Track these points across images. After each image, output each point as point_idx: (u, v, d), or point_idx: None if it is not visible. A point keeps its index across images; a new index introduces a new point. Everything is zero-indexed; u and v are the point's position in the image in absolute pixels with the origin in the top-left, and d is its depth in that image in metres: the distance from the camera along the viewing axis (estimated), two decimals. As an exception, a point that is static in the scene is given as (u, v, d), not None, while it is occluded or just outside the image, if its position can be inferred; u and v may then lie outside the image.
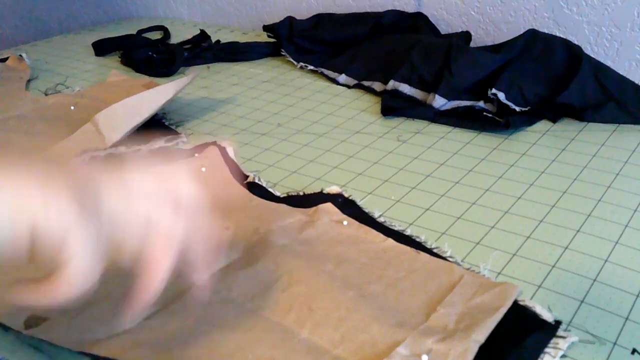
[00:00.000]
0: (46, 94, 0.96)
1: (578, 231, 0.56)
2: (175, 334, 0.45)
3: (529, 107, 0.79)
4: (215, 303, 0.48)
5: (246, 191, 0.64)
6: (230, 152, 0.72)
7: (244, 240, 0.56)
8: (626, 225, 0.57)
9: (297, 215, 0.59)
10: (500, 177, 0.66)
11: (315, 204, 0.60)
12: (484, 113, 0.79)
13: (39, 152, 0.71)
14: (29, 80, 1.02)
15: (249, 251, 0.54)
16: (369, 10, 1.13)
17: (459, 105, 0.82)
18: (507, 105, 0.78)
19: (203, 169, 0.68)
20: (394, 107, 0.83)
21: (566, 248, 0.54)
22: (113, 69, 1.03)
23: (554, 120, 0.78)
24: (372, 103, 0.88)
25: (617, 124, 0.76)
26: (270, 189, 0.65)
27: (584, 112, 0.77)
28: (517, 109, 0.78)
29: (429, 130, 0.78)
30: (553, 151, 0.71)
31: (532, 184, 0.65)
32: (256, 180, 0.67)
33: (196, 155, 0.72)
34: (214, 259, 0.41)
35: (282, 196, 0.64)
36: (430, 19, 1.05)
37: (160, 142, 0.77)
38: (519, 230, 0.57)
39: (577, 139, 0.74)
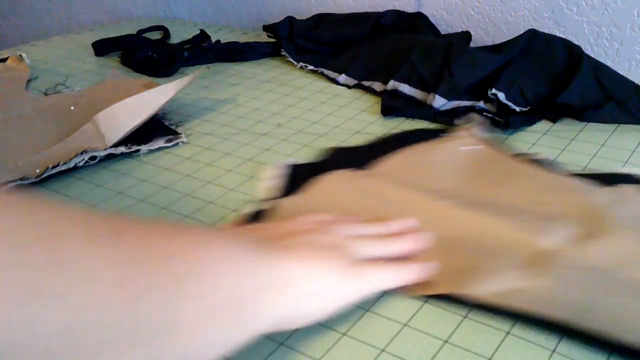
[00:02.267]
0: (46, 94, 0.96)
1: (578, 231, 0.56)
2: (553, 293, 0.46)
3: (529, 107, 0.79)
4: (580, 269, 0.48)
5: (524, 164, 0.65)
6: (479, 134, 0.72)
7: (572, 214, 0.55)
8: (626, 226, 0.56)
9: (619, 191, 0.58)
10: (500, 177, 0.66)
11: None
12: (484, 113, 0.79)
13: (38, 152, 0.71)
14: (29, 80, 1.02)
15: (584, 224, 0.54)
16: (368, 10, 1.13)
17: (459, 105, 0.82)
18: (507, 106, 0.78)
19: (465, 148, 0.69)
20: (394, 107, 0.83)
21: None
22: (113, 69, 1.04)
23: (554, 120, 0.78)
24: (372, 103, 0.87)
25: (617, 124, 0.76)
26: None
27: (584, 112, 0.77)
28: (517, 109, 0.78)
29: (429, 131, 0.78)
30: (553, 151, 0.71)
31: (532, 184, 0.64)
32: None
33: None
34: None
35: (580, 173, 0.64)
36: (430, 19, 1.04)
37: (160, 142, 0.77)
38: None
39: (577, 139, 0.74)
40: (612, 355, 0.42)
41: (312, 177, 0.64)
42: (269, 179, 0.66)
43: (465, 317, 0.46)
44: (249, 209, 0.61)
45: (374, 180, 0.63)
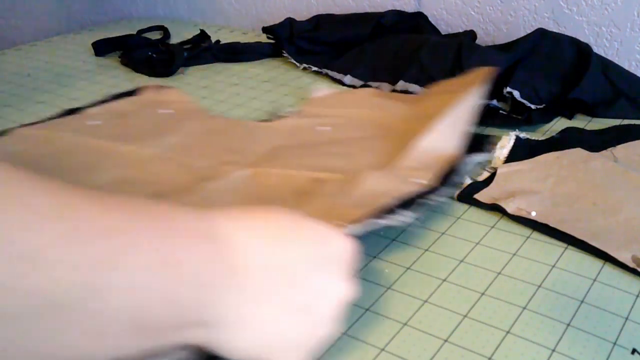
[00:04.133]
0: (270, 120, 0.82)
1: (578, 231, 0.56)
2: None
3: (543, 105, 0.79)
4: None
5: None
6: None
7: None
8: (626, 225, 0.56)
9: None
10: (501, 177, 0.66)
11: None
12: (500, 111, 0.80)
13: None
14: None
15: None
16: (368, 10, 1.13)
17: None
18: (522, 104, 0.78)
19: None
20: None
21: (566, 248, 0.54)
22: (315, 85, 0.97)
23: (570, 117, 0.78)
24: (372, 103, 0.87)
25: (632, 120, 0.76)
26: None
27: (596, 109, 0.78)
28: (533, 106, 0.78)
29: (429, 130, 0.78)
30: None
31: (532, 184, 0.64)
32: None
33: None
34: None
35: None
36: (430, 19, 1.04)
37: None
38: (519, 231, 0.56)
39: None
40: (612, 353, 0.42)
41: (542, 151, 0.67)
42: (499, 149, 0.69)
43: (465, 316, 0.46)
44: (481, 176, 0.64)
45: (608, 164, 0.64)
